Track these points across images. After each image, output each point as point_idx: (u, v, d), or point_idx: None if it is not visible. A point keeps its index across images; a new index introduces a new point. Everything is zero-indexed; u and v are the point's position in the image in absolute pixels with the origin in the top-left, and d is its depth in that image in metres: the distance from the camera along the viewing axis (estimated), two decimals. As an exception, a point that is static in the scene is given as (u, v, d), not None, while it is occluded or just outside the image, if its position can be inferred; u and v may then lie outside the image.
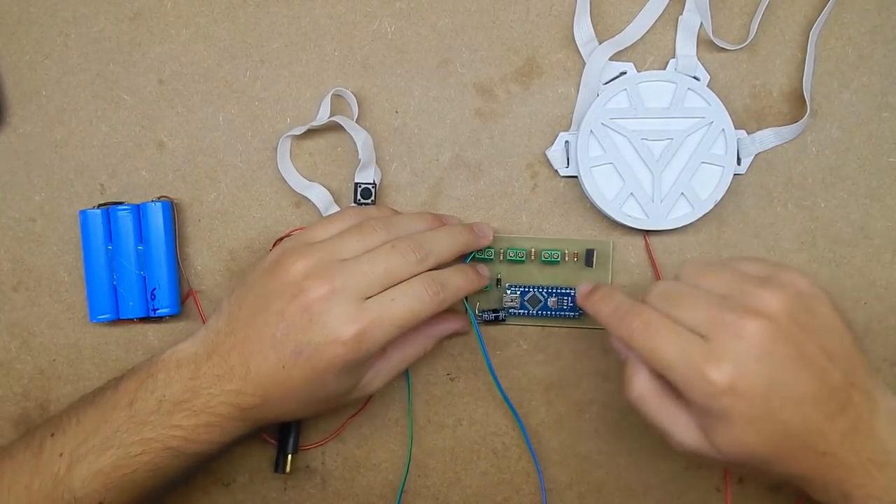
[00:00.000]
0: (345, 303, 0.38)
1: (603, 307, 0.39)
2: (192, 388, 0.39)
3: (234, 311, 0.40)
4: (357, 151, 0.46)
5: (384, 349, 0.42)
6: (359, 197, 0.46)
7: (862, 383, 0.36)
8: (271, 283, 0.40)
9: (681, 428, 0.36)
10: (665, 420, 0.37)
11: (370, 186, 0.46)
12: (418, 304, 0.39)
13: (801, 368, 0.35)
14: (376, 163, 0.47)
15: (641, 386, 0.37)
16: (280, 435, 0.46)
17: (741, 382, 0.34)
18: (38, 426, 0.41)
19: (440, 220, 0.44)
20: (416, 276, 0.40)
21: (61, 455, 0.38)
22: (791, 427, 0.35)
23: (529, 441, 0.46)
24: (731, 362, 0.34)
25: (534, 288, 0.46)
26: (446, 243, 0.42)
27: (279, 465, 0.45)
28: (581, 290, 0.41)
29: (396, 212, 0.45)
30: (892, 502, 0.34)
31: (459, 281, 0.41)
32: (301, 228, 0.46)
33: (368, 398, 0.47)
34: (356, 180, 0.46)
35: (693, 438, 0.36)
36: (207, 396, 0.39)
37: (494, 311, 0.46)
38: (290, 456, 0.45)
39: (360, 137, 0.46)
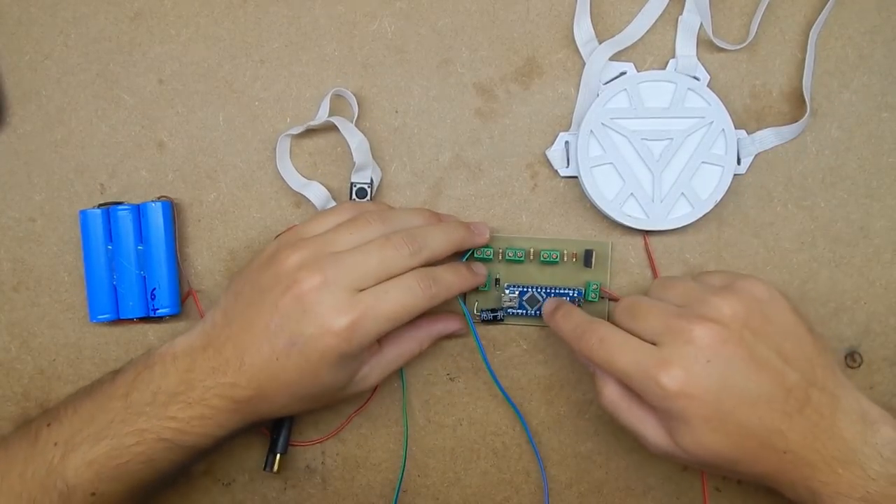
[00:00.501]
0: (337, 294, 0.38)
1: (564, 326, 0.42)
2: (188, 380, 0.39)
3: (230, 304, 0.40)
4: (357, 151, 0.46)
5: (379, 344, 0.42)
6: (354, 197, 0.46)
7: (823, 383, 0.37)
8: (266, 275, 0.40)
9: (650, 431, 0.38)
10: (636, 425, 0.39)
11: (365, 186, 0.46)
12: (411, 297, 0.39)
13: (754, 370, 0.36)
14: (376, 162, 0.47)
15: (610, 394, 0.39)
16: (271, 433, 0.46)
17: (692, 385, 0.35)
18: (35, 417, 0.41)
19: (437, 217, 0.44)
20: (410, 269, 0.40)
21: (56, 444, 0.39)
22: (748, 426, 0.36)
23: (532, 437, 0.46)
24: (680, 366, 0.36)
25: (532, 288, 0.46)
26: (441, 238, 0.42)
27: (268, 464, 0.46)
28: (545, 308, 0.44)
29: (392, 207, 0.45)
30: (861, 498, 0.35)
31: (452, 277, 0.42)
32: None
33: (369, 396, 0.47)
34: (352, 180, 0.46)
35: (662, 441, 0.38)
36: (202, 389, 0.39)
37: (493, 310, 0.46)
38: (278, 456, 0.45)
39: (355, 140, 0.46)
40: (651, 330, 0.38)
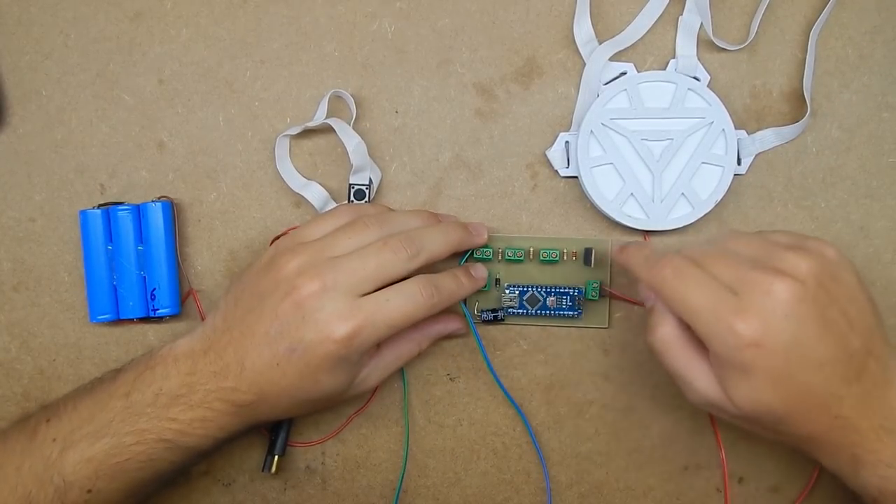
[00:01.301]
0: (337, 300, 0.38)
1: (634, 256, 0.40)
2: (189, 383, 0.39)
3: (230, 309, 0.41)
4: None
5: (377, 347, 0.42)
6: (352, 198, 0.46)
7: (879, 353, 0.37)
8: (265, 281, 0.40)
9: (700, 379, 0.37)
10: (685, 369, 0.38)
11: (363, 188, 0.46)
12: (412, 305, 0.39)
13: (824, 331, 0.35)
14: (376, 163, 0.47)
15: (665, 333, 0.38)
16: (270, 435, 0.46)
17: (766, 337, 0.35)
18: (34, 412, 0.41)
19: (435, 218, 0.44)
20: (410, 275, 0.40)
21: (54, 440, 0.39)
22: (809, 387, 0.35)
23: (534, 436, 0.46)
24: (759, 317, 0.35)
25: (533, 287, 0.46)
26: (439, 240, 0.42)
27: (266, 466, 0.46)
28: (615, 249, 0.43)
29: (391, 209, 0.45)
30: None
31: (454, 286, 0.42)
32: (297, 227, 0.46)
33: (370, 397, 0.47)
34: (350, 181, 0.46)
35: (710, 390, 0.37)
36: (204, 392, 0.39)
37: (493, 310, 0.46)
38: (276, 457, 0.45)
39: (352, 143, 0.45)
40: (724, 276, 0.36)
